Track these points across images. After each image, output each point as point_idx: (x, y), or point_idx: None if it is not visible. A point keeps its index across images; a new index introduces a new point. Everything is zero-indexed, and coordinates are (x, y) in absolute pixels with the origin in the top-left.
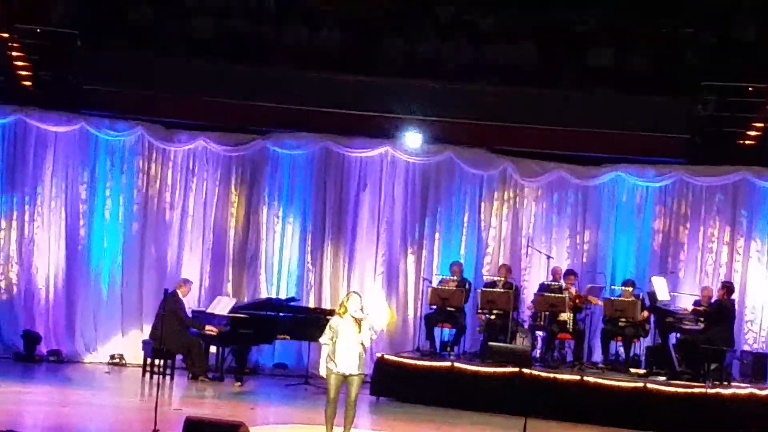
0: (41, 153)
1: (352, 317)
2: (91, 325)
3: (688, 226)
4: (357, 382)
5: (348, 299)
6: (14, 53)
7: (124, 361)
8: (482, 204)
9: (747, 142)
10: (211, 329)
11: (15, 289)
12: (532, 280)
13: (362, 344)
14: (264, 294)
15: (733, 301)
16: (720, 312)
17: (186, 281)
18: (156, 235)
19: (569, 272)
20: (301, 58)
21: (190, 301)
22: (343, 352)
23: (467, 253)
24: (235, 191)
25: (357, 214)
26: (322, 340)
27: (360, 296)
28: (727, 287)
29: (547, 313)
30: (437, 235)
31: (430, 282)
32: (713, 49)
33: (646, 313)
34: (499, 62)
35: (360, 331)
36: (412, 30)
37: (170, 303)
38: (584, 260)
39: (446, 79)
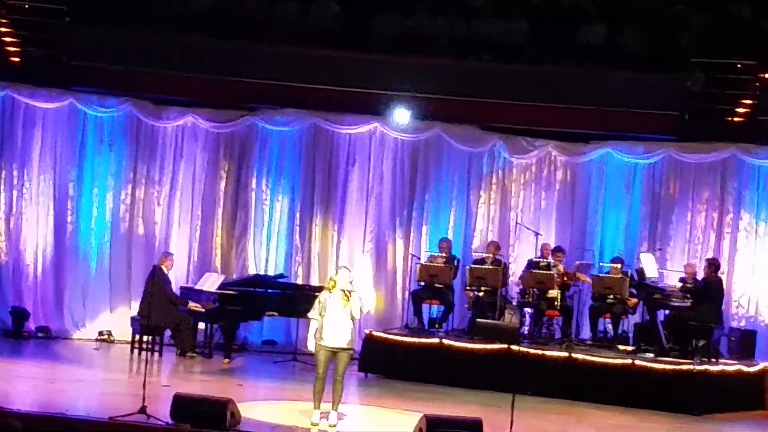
0: (30, 129)
1: (342, 291)
2: (80, 301)
3: (676, 203)
4: (345, 358)
5: (338, 273)
6: (2, 29)
7: (112, 338)
8: (471, 181)
9: (736, 119)
10: (196, 306)
11: (3, 265)
12: (521, 257)
13: (352, 317)
14: (252, 270)
15: (720, 278)
16: (707, 289)
17: (167, 254)
18: (144, 211)
19: (557, 249)
20: (292, 35)
21: (179, 278)
22: (331, 327)
23: (456, 229)
24: (223, 168)
25: (345, 191)
26: (310, 314)
27: (350, 271)
28: (713, 264)
29: (535, 290)
30: (426, 211)
31: (419, 258)
32: (705, 27)
33: (635, 300)
34: (490, 38)
35: (348, 305)
36: (402, 6)
37: (156, 278)
38: (573, 237)
39: (436, 55)
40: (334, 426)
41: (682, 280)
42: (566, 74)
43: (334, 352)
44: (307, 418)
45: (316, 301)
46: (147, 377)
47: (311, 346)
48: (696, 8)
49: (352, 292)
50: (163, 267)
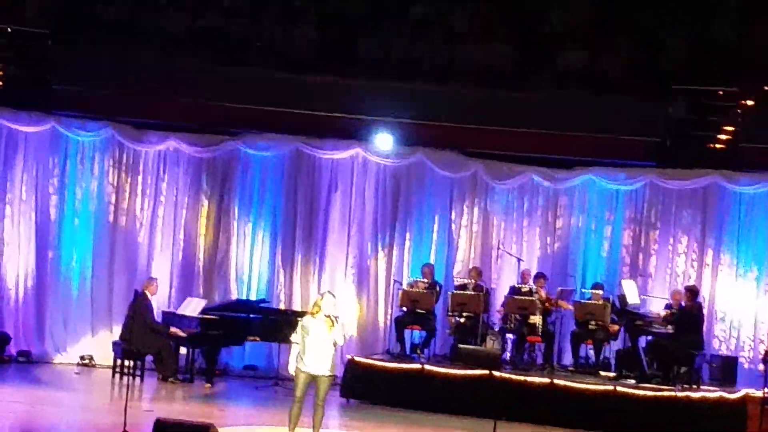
0: (11, 153)
1: (326, 316)
2: (61, 325)
3: (658, 229)
4: (326, 383)
5: (323, 299)
6: None
7: (93, 362)
8: (453, 206)
9: (718, 145)
10: (176, 332)
11: None
12: (503, 283)
13: (335, 343)
14: (234, 295)
15: (700, 304)
16: (687, 317)
17: (151, 279)
18: (126, 235)
19: (539, 275)
20: (274, 59)
21: (161, 302)
22: (313, 352)
23: (438, 255)
24: (205, 192)
25: (328, 216)
26: (293, 338)
27: (334, 296)
28: (691, 291)
29: (517, 315)
30: (408, 236)
31: (401, 284)
32: (687, 52)
33: (617, 326)
34: (472, 63)
35: (332, 331)
36: (385, 30)
37: (139, 304)
38: (554, 263)
39: (419, 80)
40: None
41: (668, 306)
42: (548, 100)
43: (315, 378)
44: None
45: (299, 325)
46: (128, 402)
47: (292, 370)
48: (676, 34)
49: (337, 318)
50: (146, 292)
